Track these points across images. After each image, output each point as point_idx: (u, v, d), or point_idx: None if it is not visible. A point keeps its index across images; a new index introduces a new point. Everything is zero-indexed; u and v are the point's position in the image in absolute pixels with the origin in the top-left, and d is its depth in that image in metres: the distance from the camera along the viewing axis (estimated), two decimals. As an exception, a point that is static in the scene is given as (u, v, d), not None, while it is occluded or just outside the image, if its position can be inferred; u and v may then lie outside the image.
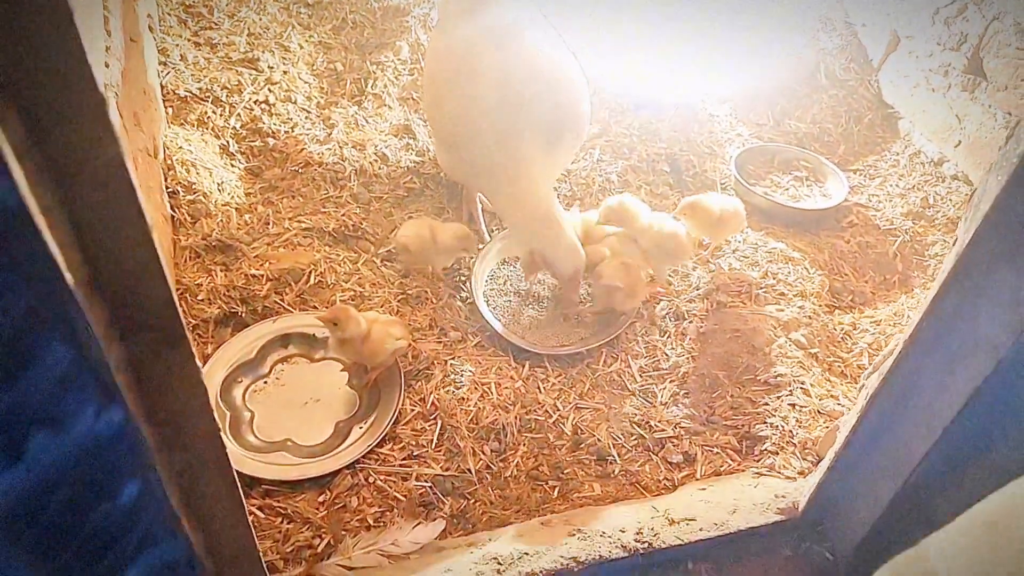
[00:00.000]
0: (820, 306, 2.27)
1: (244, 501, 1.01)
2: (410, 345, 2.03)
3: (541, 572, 1.53)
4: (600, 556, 1.56)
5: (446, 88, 2.18)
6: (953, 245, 1.21)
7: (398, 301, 2.22)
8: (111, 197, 0.65)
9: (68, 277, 0.56)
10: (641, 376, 2.10)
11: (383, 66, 2.88)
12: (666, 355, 2.14)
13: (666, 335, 2.19)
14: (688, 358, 2.13)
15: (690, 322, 2.21)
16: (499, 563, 1.54)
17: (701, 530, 1.61)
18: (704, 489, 1.77)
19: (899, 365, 1.32)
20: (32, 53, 0.56)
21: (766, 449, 1.88)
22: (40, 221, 0.51)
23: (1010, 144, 1.15)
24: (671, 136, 2.80)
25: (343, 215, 2.41)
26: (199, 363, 0.83)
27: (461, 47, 2.17)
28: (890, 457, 1.42)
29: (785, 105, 3.01)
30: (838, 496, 1.58)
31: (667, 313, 2.24)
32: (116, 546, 0.75)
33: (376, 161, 2.59)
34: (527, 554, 1.56)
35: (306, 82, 2.82)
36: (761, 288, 2.29)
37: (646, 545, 1.57)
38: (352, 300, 2.19)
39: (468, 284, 2.27)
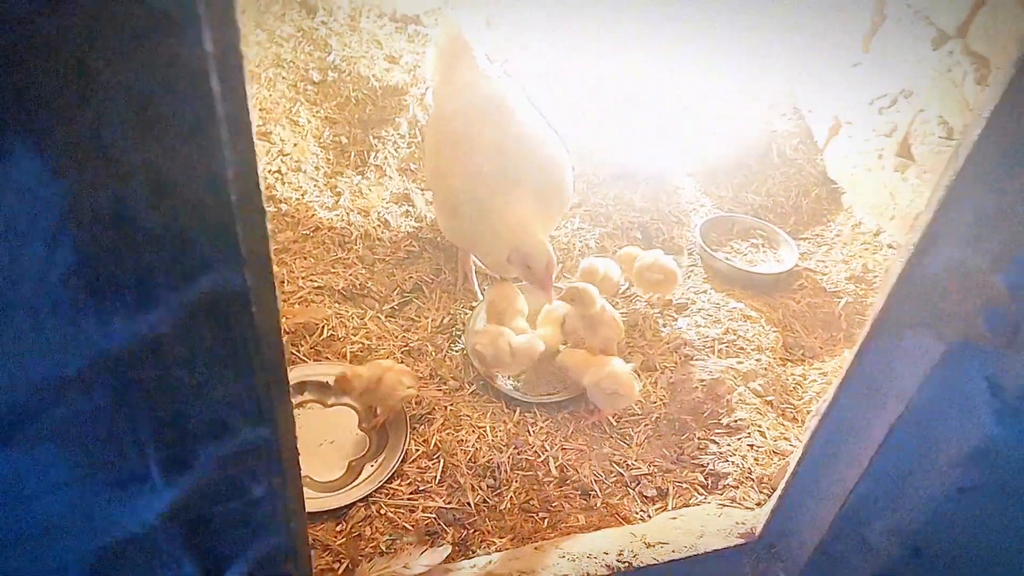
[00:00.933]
0: (775, 359, 2.58)
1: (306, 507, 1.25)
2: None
3: (536, 589, 1.78)
4: (587, 574, 1.80)
5: (447, 161, 2.48)
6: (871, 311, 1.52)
7: (401, 353, 2.48)
8: (260, 281, 0.92)
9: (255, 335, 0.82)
10: (618, 421, 2.37)
11: (384, 140, 3.19)
12: (640, 402, 2.42)
13: (640, 384, 2.47)
14: (660, 405, 2.41)
15: (661, 373, 2.50)
16: (500, 581, 1.79)
17: (673, 552, 1.87)
18: (675, 518, 2.03)
19: (832, 409, 1.62)
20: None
21: (728, 484, 2.16)
22: (251, 298, 0.78)
23: (913, 231, 1.47)
24: (643, 206, 3.14)
25: (350, 275, 2.68)
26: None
27: (460, 123, 2.49)
28: (828, 487, 1.70)
29: (743, 180, 3.37)
30: (788, 522, 1.85)
31: (640, 364, 2.53)
32: (238, 533, 0.99)
33: (379, 226, 2.87)
34: (523, 572, 1.80)
35: (314, 153, 3.11)
36: (723, 343, 2.59)
37: (626, 565, 1.83)
38: (360, 352, 2.44)
39: (463, 338, 2.54)
